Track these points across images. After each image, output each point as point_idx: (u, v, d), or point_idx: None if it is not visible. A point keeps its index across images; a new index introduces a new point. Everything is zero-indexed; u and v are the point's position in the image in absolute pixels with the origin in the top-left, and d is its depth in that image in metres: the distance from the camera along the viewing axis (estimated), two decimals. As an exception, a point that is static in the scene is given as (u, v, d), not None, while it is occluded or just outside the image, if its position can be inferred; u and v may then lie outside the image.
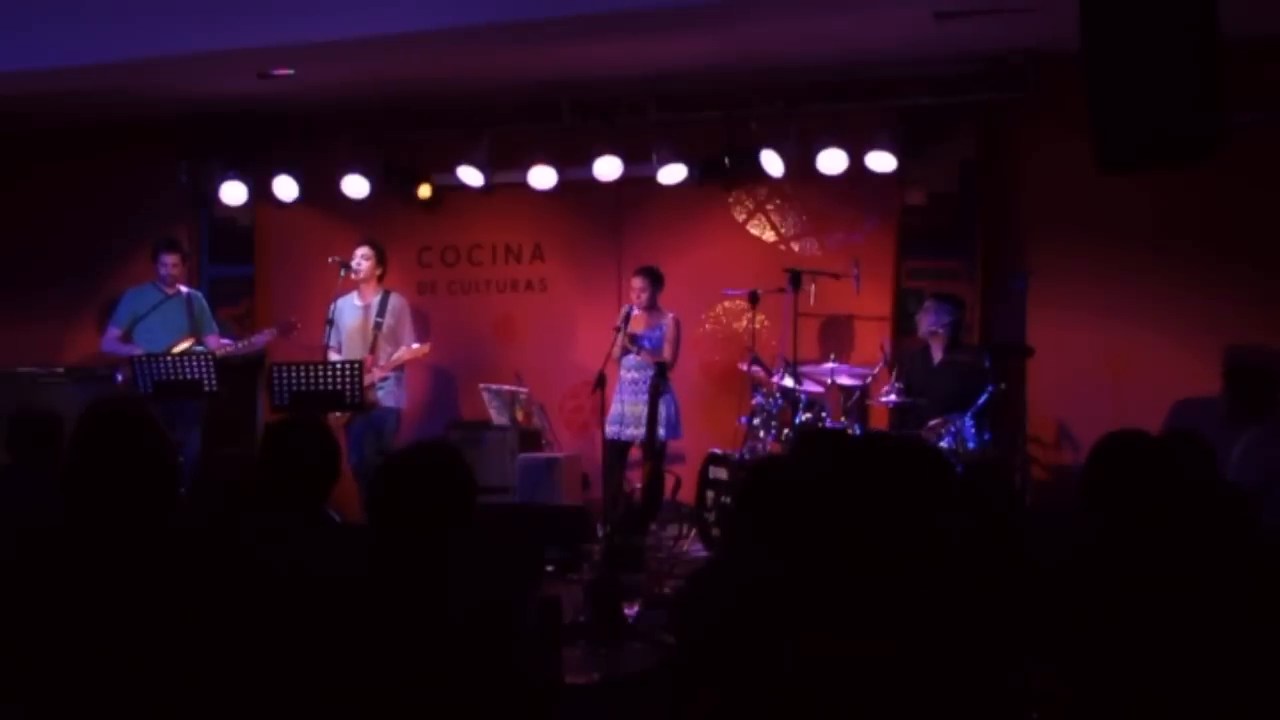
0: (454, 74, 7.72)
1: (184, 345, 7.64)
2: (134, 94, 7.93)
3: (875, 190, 7.74)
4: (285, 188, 8.57)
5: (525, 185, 8.16)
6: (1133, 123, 3.81)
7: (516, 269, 8.67)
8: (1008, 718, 2.12)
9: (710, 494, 7.07)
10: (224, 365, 7.47)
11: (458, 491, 2.78)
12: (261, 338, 7.81)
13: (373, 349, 7.66)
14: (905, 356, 7.45)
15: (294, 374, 7.01)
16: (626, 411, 7.46)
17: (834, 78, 7.65)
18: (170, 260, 7.82)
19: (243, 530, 2.98)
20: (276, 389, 7.01)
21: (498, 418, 7.89)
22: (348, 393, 7.03)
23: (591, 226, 8.43)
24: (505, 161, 8.15)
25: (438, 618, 2.57)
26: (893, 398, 7.04)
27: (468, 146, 8.18)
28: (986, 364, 6.83)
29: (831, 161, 7.54)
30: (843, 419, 7.13)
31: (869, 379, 7.20)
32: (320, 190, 8.55)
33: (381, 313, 7.74)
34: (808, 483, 3.08)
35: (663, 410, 7.23)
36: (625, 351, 7.40)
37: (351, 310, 7.79)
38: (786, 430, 6.99)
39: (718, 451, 7.17)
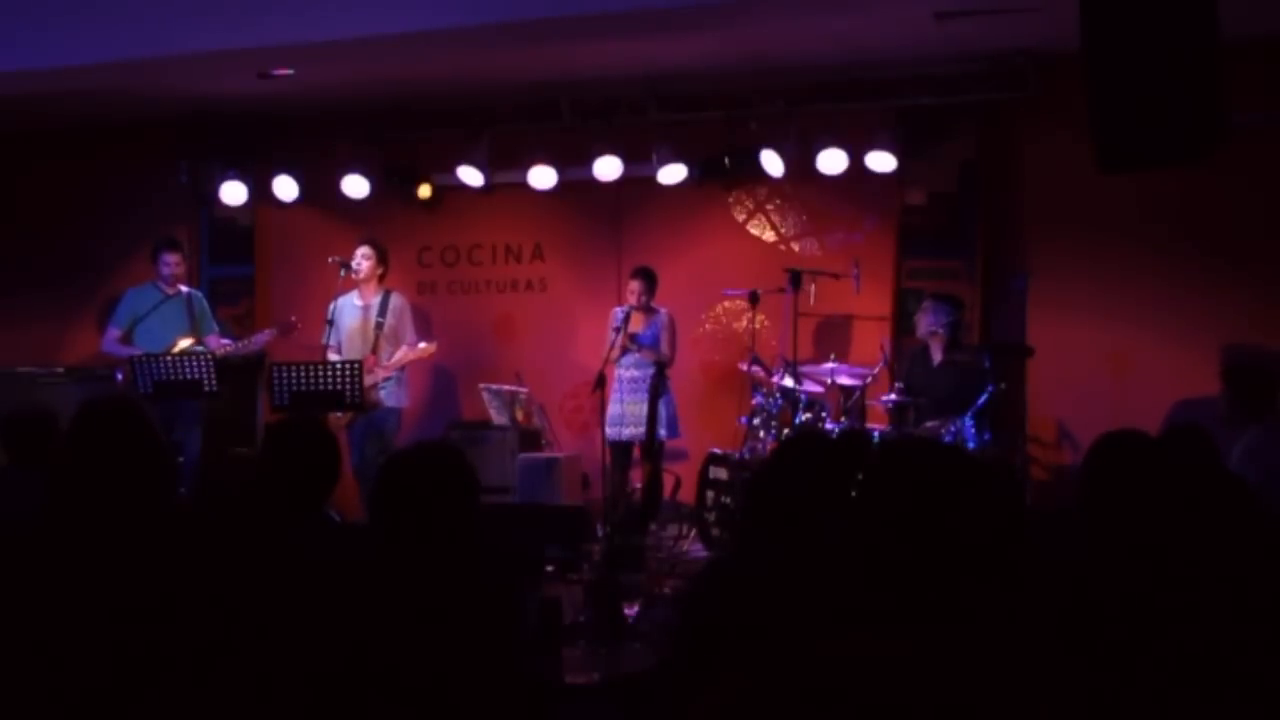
0: (454, 74, 7.72)
1: (184, 345, 7.64)
2: (134, 94, 7.93)
3: (875, 190, 7.74)
4: (285, 188, 8.57)
5: (525, 185, 8.16)
6: (1133, 123, 3.81)
7: (516, 269, 8.67)
8: (1013, 718, 2.12)
9: (710, 494, 7.07)
10: (224, 365, 7.47)
11: (460, 492, 2.78)
12: (261, 338, 7.81)
13: (374, 349, 7.66)
14: (905, 356, 7.45)
15: (294, 374, 7.01)
16: (625, 411, 7.46)
17: (834, 78, 7.65)
18: (172, 259, 7.82)
19: (242, 530, 2.98)
20: (276, 389, 7.01)
21: (498, 418, 7.89)
22: (348, 393, 7.03)
23: (591, 226, 8.43)
24: (505, 161, 8.15)
25: (438, 617, 2.57)
26: (892, 398, 7.04)
27: (468, 146, 8.18)
28: (986, 364, 6.82)
29: (831, 161, 7.54)
30: (842, 419, 7.13)
31: (869, 379, 7.19)
32: (320, 190, 8.55)
33: (383, 313, 7.74)
34: (816, 483, 3.08)
35: (662, 410, 7.24)
36: (626, 351, 7.40)
37: (352, 310, 7.78)
38: (786, 430, 6.99)
39: (718, 451, 7.17)
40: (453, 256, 8.80)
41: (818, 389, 7.28)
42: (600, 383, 7.11)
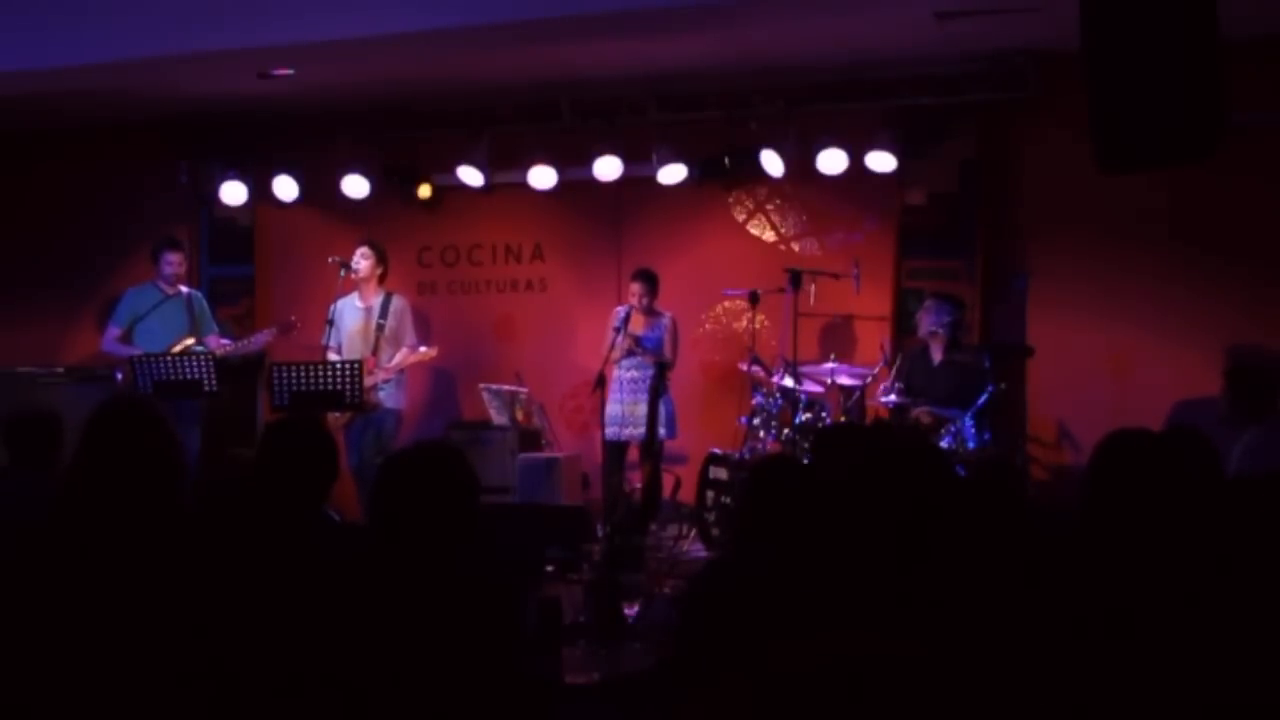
0: (454, 74, 7.72)
1: (184, 345, 7.64)
2: (134, 94, 7.93)
3: (875, 190, 7.74)
4: (285, 188, 8.57)
5: (525, 185, 8.16)
6: (1133, 123, 3.81)
7: (516, 269, 8.67)
8: (1012, 717, 2.12)
9: (710, 494, 7.07)
10: (224, 365, 7.47)
11: (460, 492, 2.77)
12: (261, 337, 7.81)
13: (374, 350, 7.66)
14: (905, 356, 7.45)
15: (294, 374, 7.01)
16: (625, 411, 7.46)
17: (834, 78, 7.65)
18: (174, 259, 7.82)
19: (242, 530, 2.97)
20: (276, 389, 7.01)
21: (498, 418, 7.89)
22: (348, 393, 7.03)
23: (591, 226, 8.43)
24: (505, 161, 8.15)
25: (438, 617, 2.56)
26: (893, 398, 7.04)
27: (468, 146, 8.18)
28: (986, 364, 6.82)
29: (831, 161, 7.54)
30: (842, 419, 7.13)
31: (869, 379, 7.19)
32: (320, 190, 8.55)
33: (384, 314, 7.74)
34: (815, 480, 3.09)
35: (661, 410, 7.24)
36: (630, 353, 7.40)
37: (353, 312, 7.78)
38: (786, 430, 6.99)
39: (718, 451, 7.17)
40: (453, 256, 8.80)
41: (818, 389, 7.28)
42: (600, 383, 7.11)
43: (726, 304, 8.12)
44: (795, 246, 8.06)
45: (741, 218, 8.19)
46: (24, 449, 4.78)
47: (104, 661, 2.50)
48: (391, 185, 8.53)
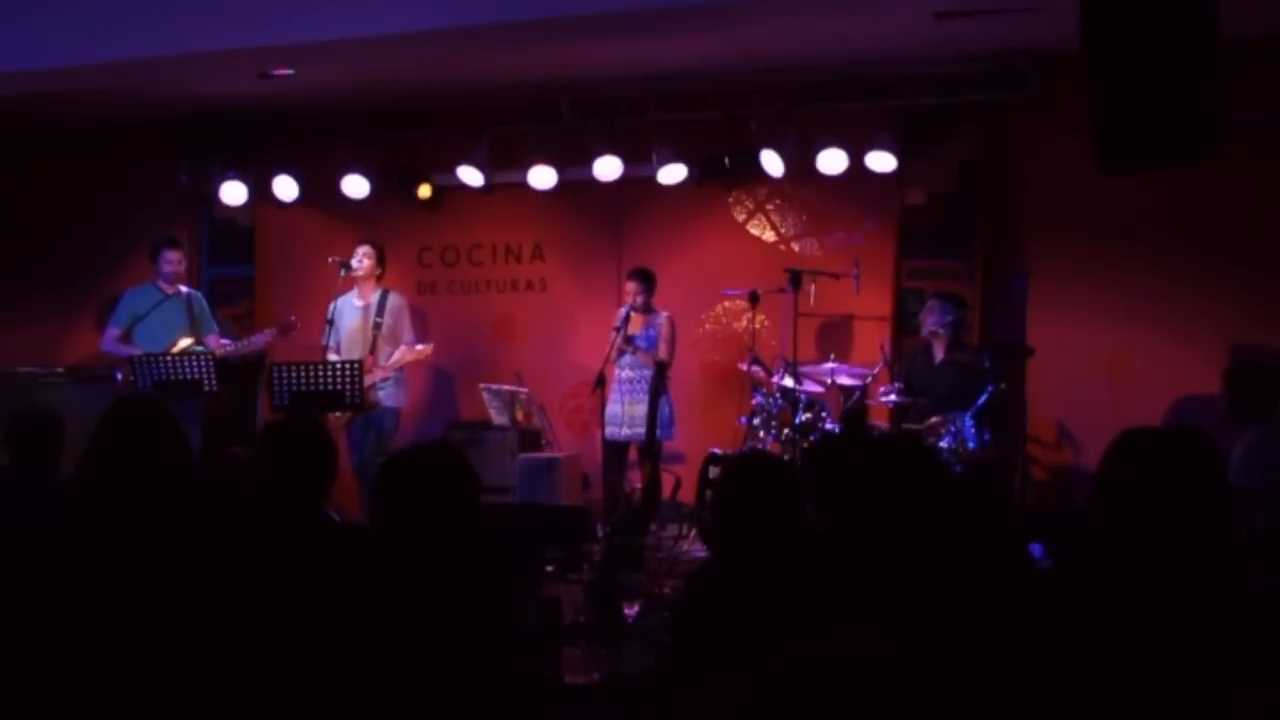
0: (454, 74, 7.72)
1: (183, 345, 7.64)
2: (134, 94, 7.93)
3: (875, 190, 7.74)
4: (285, 188, 8.57)
5: (525, 185, 8.16)
6: (1133, 123, 3.81)
7: (516, 269, 8.67)
8: (1007, 717, 2.13)
9: (710, 494, 7.06)
10: (224, 365, 7.47)
11: (460, 491, 2.77)
12: (261, 338, 7.81)
13: (372, 349, 7.66)
14: (906, 356, 7.45)
15: (294, 374, 7.01)
16: (624, 411, 7.46)
17: (834, 78, 7.65)
18: (174, 257, 7.82)
19: (243, 530, 2.98)
20: (276, 389, 7.01)
21: (498, 418, 7.89)
22: (348, 393, 7.03)
23: (591, 226, 8.43)
24: (505, 161, 8.15)
25: (438, 617, 2.57)
26: (893, 397, 7.04)
27: (468, 146, 8.18)
28: (986, 364, 6.82)
29: (831, 161, 7.54)
30: (842, 419, 7.13)
31: (869, 379, 7.20)
32: (320, 190, 8.55)
33: (380, 312, 7.74)
34: (789, 478, 3.11)
35: (660, 411, 7.24)
36: (622, 352, 7.40)
37: (351, 310, 7.79)
38: (786, 430, 6.99)
39: (718, 451, 7.17)
40: (453, 256, 8.80)
41: (818, 389, 7.28)
42: (600, 383, 7.11)
43: (726, 304, 8.12)
44: (795, 246, 8.06)
45: (741, 218, 8.19)
46: (26, 450, 4.78)
47: (112, 661, 2.50)
48: (391, 185, 8.52)
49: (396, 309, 7.81)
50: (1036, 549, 4.21)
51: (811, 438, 6.94)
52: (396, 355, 7.67)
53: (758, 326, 7.65)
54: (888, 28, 6.86)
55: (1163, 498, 2.42)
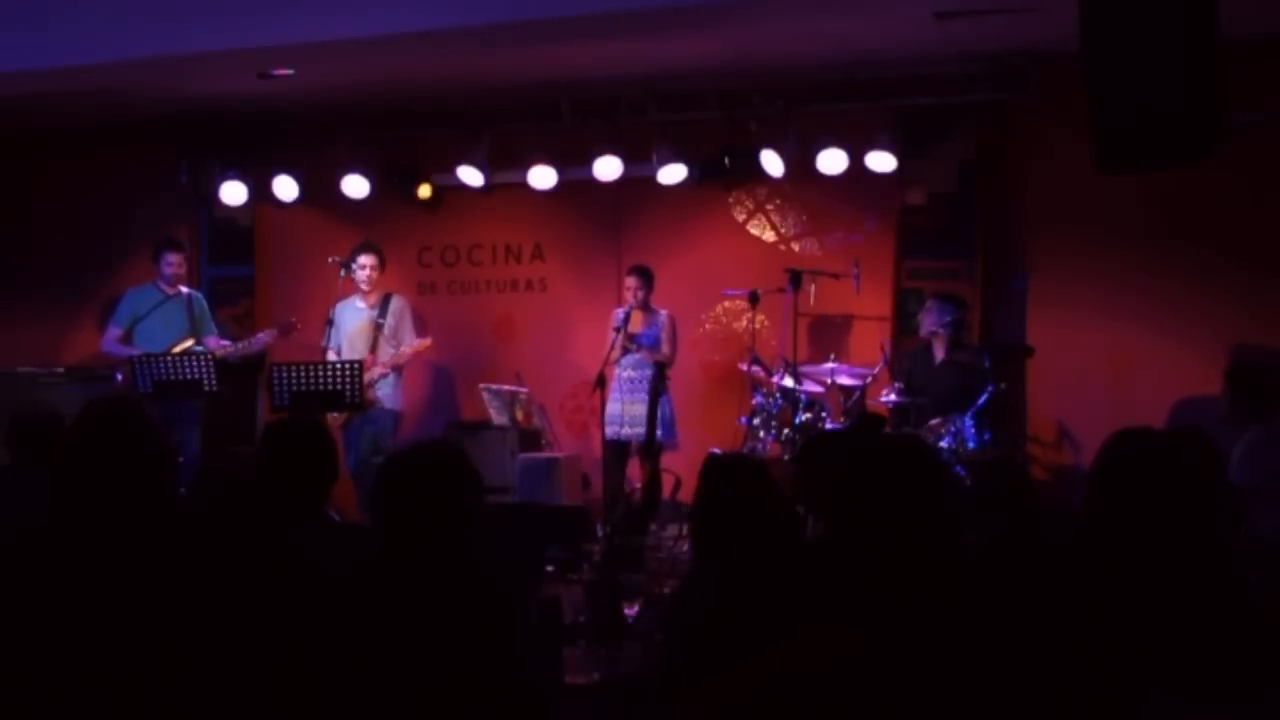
0: (454, 74, 7.72)
1: (184, 345, 7.64)
2: (134, 94, 7.93)
3: (875, 190, 7.74)
4: (285, 188, 8.57)
5: (525, 185, 8.16)
6: (1133, 123, 3.81)
7: (516, 269, 8.67)
8: (1003, 717, 2.12)
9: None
10: (224, 365, 7.48)
11: (461, 491, 2.77)
12: (261, 338, 7.82)
13: (373, 349, 7.67)
14: (906, 356, 7.45)
15: (294, 374, 7.01)
16: (623, 411, 7.46)
17: (834, 78, 7.65)
18: (174, 259, 7.82)
19: (242, 530, 2.97)
20: (276, 389, 7.01)
21: (498, 418, 7.89)
22: (348, 393, 7.03)
23: (591, 226, 8.43)
24: (505, 161, 8.15)
25: (439, 617, 2.56)
26: (893, 397, 7.04)
27: (468, 146, 8.18)
28: (986, 364, 6.82)
29: (831, 161, 7.54)
30: (842, 419, 7.13)
31: (869, 379, 7.20)
32: (320, 190, 8.55)
33: (383, 313, 7.76)
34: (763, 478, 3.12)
35: (660, 412, 7.24)
36: (626, 351, 7.40)
37: (353, 312, 7.79)
38: (786, 430, 6.99)
39: (717, 452, 7.15)
40: (453, 256, 8.80)
41: (818, 389, 7.28)
42: (600, 382, 7.11)
43: (726, 304, 8.12)
44: (795, 246, 8.06)
45: (741, 218, 8.19)
46: (26, 450, 4.79)
47: (102, 661, 2.50)
48: (391, 185, 8.53)
49: (399, 310, 7.83)
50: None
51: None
52: (395, 353, 7.68)
53: (758, 326, 7.66)
54: (888, 28, 6.86)
55: (1154, 497, 2.42)
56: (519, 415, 7.88)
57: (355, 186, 8.38)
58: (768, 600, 2.64)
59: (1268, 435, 5.27)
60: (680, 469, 7.51)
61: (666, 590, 5.32)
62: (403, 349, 7.69)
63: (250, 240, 9.08)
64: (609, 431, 7.44)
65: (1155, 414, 6.74)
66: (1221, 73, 3.71)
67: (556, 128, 8.19)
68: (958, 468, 6.48)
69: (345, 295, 7.82)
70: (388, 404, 7.67)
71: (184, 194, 9.02)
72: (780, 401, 7.07)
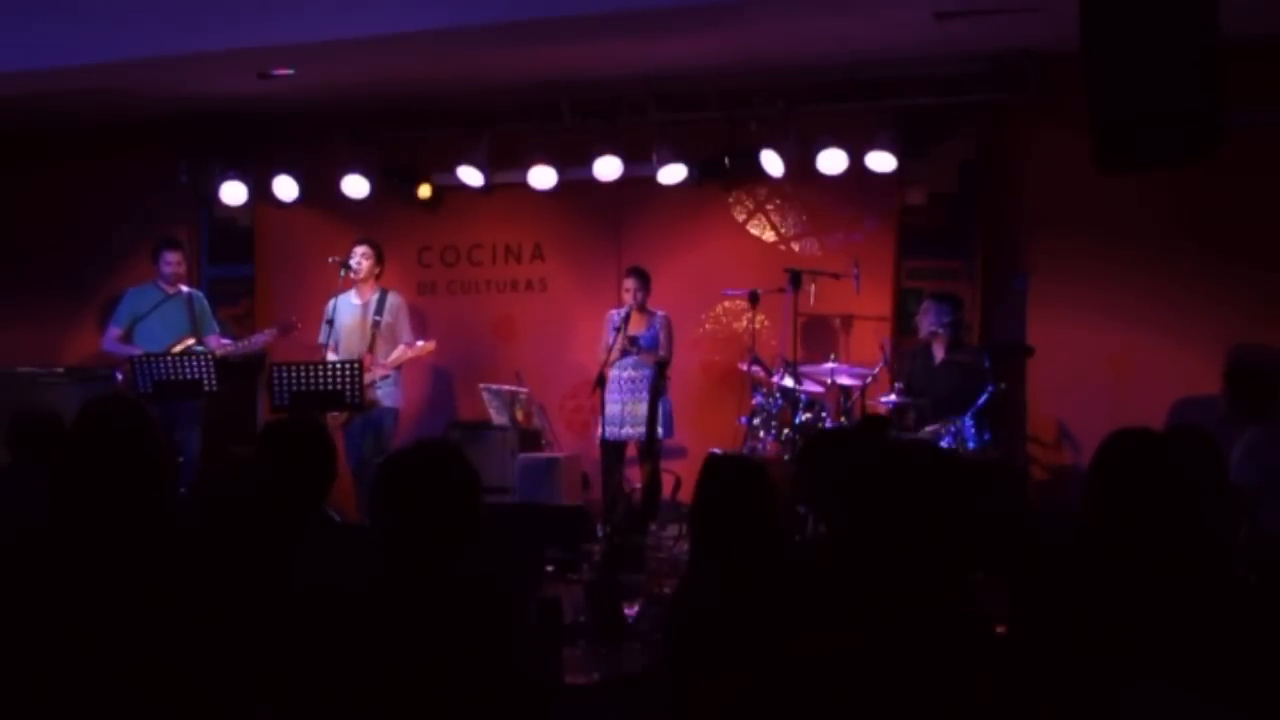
0: (454, 74, 7.72)
1: (184, 345, 7.64)
2: (134, 94, 7.93)
3: (875, 190, 7.74)
4: (285, 188, 8.57)
5: (525, 185, 8.16)
6: (1133, 123, 3.81)
7: (516, 269, 8.67)
8: (999, 715, 2.12)
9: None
10: (224, 365, 7.48)
11: (461, 491, 2.77)
12: (261, 338, 7.82)
13: (371, 347, 7.66)
14: (906, 356, 7.45)
15: (294, 374, 7.01)
16: (623, 411, 7.46)
17: (834, 78, 7.65)
18: (174, 258, 7.82)
19: (242, 530, 2.97)
20: (276, 389, 7.01)
21: (498, 418, 7.89)
22: (348, 392, 7.03)
23: (591, 226, 8.43)
24: (505, 161, 8.15)
25: (439, 617, 2.56)
26: (893, 398, 7.04)
27: (468, 146, 8.18)
28: (986, 364, 6.82)
29: (831, 161, 7.54)
30: (842, 419, 7.13)
31: (869, 379, 7.19)
32: (320, 190, 8.55)
33: (379, 311, 7.75)
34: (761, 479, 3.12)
35: (659, 409, 7.24)
36: (626, 353, 7.41)
37: (349, 308, 7.79)
38: (786, 430, 6.99)
39: (717, 451, 7.15)
40: (453, 256, 8.80)
41: (818, 389, 7.28)
42: (600, 383, 7.12)
43: (726, 304, 8.12)
44: (795, 246, 8.06)
45: (741, 218, 8.19)
46: (26, 449, 4.79)
47: (100, 661, 2.50)
48: (391, 185, 8.53)
49: (395, 307, 7.82)
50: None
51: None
52: (397, 353, 7.69)
53: (758, 326, 7.66)
54: (888, 28, 6.86)
55: (1151, 496, 2.42)
56: (519, 415, 7.89)
57: (355, 186, 8.39)
58: (768, 600, 2.64)
59: (1268, 435, 5.27)
60: (680, 469, 7.52)
61: (666, 590, 5.33)
62: (402, 350, 7.69)
63: (250, 240, 9.08)
64: (609, 431, 7.44)
65: (1155, 414, 6.73)
66: (1221, 73, 3.71)
67: (556, 128, 8.19)
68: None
69: (342, 290, 7.81)
70: (388, 403, 7.67)
71: (184, 194, 9.02)
72: (780, 401, 7.07)
